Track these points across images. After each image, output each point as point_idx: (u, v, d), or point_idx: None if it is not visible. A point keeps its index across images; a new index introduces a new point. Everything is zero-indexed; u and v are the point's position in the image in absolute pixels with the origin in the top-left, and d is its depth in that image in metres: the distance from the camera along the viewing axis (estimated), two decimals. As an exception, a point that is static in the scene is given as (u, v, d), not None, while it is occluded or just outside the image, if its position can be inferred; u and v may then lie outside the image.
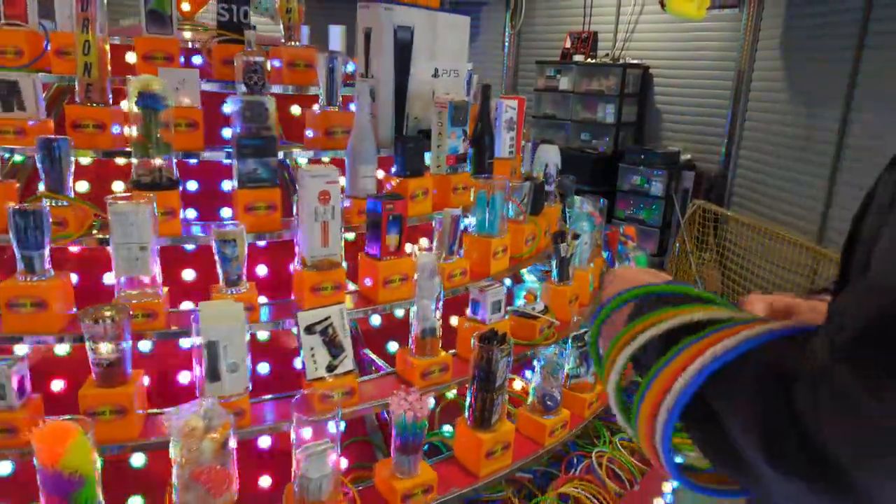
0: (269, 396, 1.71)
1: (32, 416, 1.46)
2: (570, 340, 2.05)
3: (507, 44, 8.09)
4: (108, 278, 1.89)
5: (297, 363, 1.94)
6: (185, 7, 2.81)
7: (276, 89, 2.10)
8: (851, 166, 4.51)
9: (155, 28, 1.96)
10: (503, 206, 2.13)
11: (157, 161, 1.71)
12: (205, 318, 1.48)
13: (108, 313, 1.44)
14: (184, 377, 1.83)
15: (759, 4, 5.58)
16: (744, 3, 5.68)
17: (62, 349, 1.74)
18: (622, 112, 6.43)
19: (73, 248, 1.81)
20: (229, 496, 1.39)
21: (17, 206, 1.51)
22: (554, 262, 2.29)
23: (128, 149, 1.76)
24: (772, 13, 5.51)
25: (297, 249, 1.77)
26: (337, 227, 1.74)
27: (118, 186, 1.98)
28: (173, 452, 1.35)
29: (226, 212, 2.06)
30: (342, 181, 1.82)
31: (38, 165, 1.68)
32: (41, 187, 1.70)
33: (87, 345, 1.45)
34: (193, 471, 1.34)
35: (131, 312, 1.52)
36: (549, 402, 1.91)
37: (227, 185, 2.11)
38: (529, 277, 2.61)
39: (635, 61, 6.60)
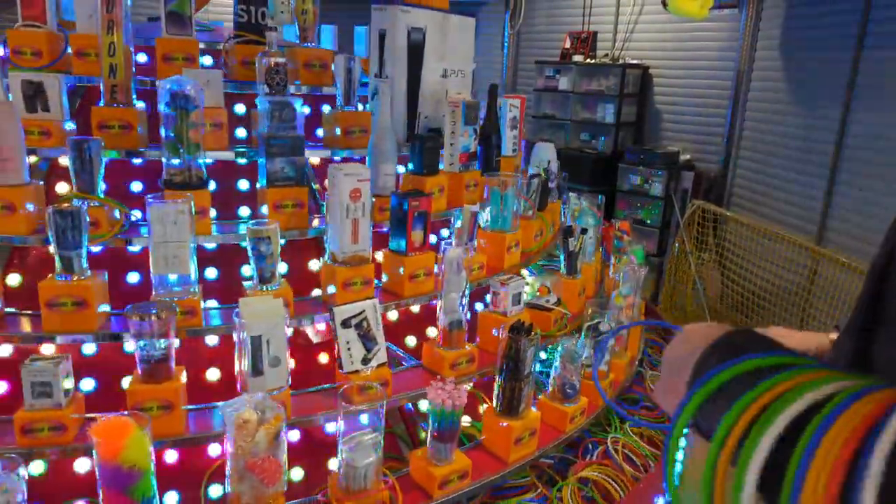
0: (296, 391, 1.74)
1: (77, 413, 1.48)
2: (584, 331, 2.13)
3: (506, 44, 8.04)
4: (132, 277, 1.91)
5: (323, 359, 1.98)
6: None
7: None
8: (851, 167, 4.50)
9: (174, 29, 1.98)
10: (515, 203, 2.20)
11: (188, 161, 1.74)
12: (247, 314, 1.51)
13: (155, 311, 1.47)
14: (212, 374, 1.86)
15: (758, 4, 5.55)
16: (743, 3, 5.64)
17: (89, 348, 1.76)
18: (622, 112, 6.44)
19: (94, 249, 1.83)
20: (280, 486, 1.43)
21: (56, 207, 1.52)
22: (562, 257, 2.37)
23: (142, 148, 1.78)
24: (771, 13, 5.47)
25: (326, 246, 1.81)
26: (366, 223, 1.78)
27: (137, 187, 2.00)
28: (227, 444, 1.38)
29: (244, 210, 2.09)
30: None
31: (70, 166, 1.69)
32: (60, 188, 1.72)
33: (135, 342, 1.48)
34: (248, 461, 1.37)
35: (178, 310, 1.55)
36: (568, 390, 1.98)
37: (242, 185, 2.13)
38: (523, 272, 2.69)
39: (635, 61, 6.58)
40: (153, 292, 1.63)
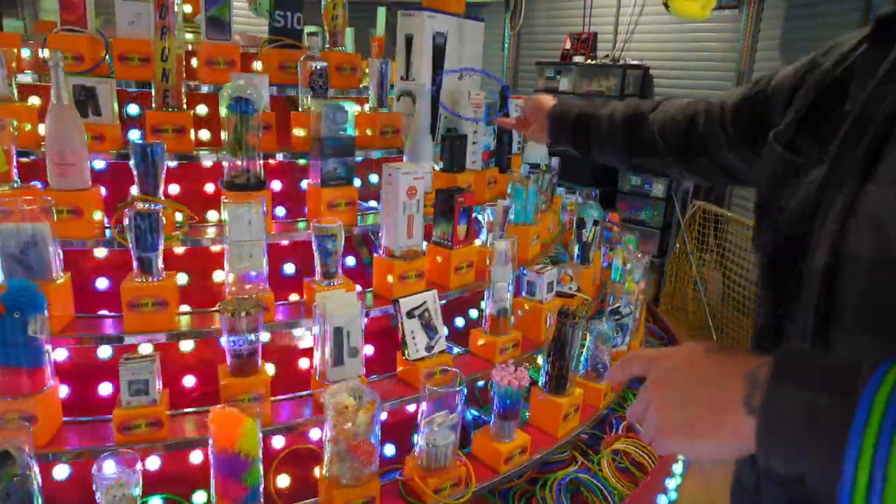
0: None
1: (166, 409, 1.53)
2: (606, 315, 2.30)
3: (506, 45, 8.02)
4: (182, 278, 1.94)
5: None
6: (187, 9, 2.83)
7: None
8: None
9: (215, 34, 2.02)
10: (536, 198, 2.35)
11: (248, 163, 1.80)
12: (330, 307, 1.59)
13: (246, 307, 1.53)
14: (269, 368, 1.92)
15: (759, 5, 5.56)
16: (744, 3, 5.65)
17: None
18: None
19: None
20: (375, 466, 1.52)
21: (137, 210, 1.56)
22: (577, 247, 2.53)
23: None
24: (772, 13, 5.48)
25: (380, 241, 1.90)
26: (420, 219, 1.88)
27: (174, 189, 2.03)
28: (327, 429, 1.46)
29: (279, 210, 2.14)
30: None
31: (133, 170, 1.72)
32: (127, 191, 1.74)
33: (227, 338, 1.54)
34: (351, 444, 1.46)
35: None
36: (601, 369, 2.14)
37: (275, 185, 2.19)
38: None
39: (635, 62, 6.56)
40: (226, 290, 1.68)
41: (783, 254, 0.83)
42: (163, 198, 1.75)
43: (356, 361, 1.66)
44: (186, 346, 1.80)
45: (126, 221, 1.57)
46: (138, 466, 1.33)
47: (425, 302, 1.81)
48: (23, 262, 1.52)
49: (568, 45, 7.09)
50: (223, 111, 1.77)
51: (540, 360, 2.05)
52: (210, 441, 1.36)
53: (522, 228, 2.30)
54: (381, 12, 2.99)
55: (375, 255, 1.91)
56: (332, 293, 1.66)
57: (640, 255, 2.52)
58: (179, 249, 1.89)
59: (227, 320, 1.53)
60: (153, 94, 1.87)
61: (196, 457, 1.65)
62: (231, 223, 1.63)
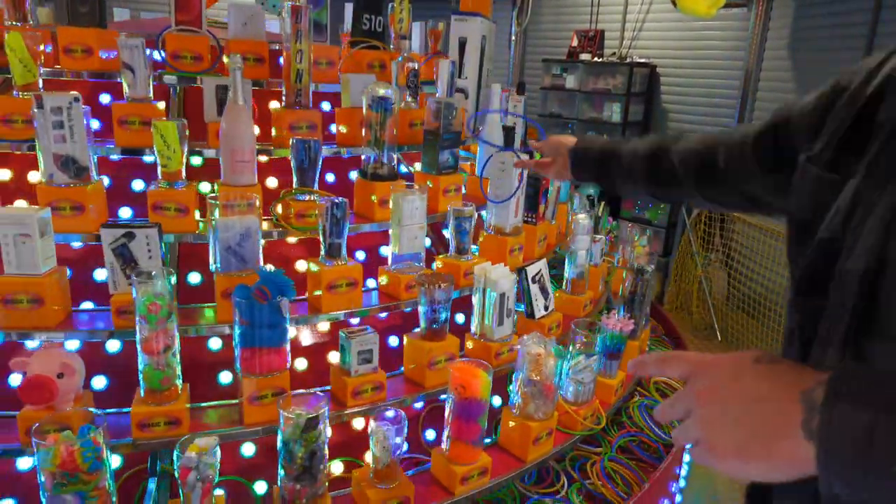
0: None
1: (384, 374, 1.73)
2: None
3: (513, 42, 7.77)
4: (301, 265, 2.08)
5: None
6: None
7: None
8: None
9: (316, 37, 2.15)
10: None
11: (386, 155, 2.00)
12: (495, 276, 1.88)
13: (439, 280, 1.77)
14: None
15: (767, 3, 5.48)
16: (752, 1, 5.58)
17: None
18: (629, 111, 6.32)
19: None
20: (555, 403, 1.85)
21: (334, 200, 1.72)
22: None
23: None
24: (780, 12, 5.40)
25: (489, 220, 2.19)
26: (523, 200, 2.21)
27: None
28: (520, 374, 1.76)
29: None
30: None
31: (292, 163, 1.86)
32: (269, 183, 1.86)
33: (426, 307, 1.76)
34: (545, 386, 1.77)
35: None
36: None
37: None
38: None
39: (642, 60, 6.47)
40: (390, 268, 1.89)
41: (819, 262, 0.83)
42: (316, 188, 1.91)
43: (511, 322, 1.96)
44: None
45: (323, 211, 1.72)
46: (404, 423, 1.55)
47: (541, 269, 2.15)
48: (238, 253, 1.63)
49: (575, 43, 6.96)
50: (364, 110, 1.96)
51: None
52: (450, 390, 1.61)
53: (562, 207, 2.69)
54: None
55: (486, 233, 2.20)
56: (488, 265, 1.93)
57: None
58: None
59: (425, 291, 1.76)
60: (283, 92, 1.99)
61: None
62: (405, 209, 1.84)
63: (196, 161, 1.97)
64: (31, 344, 1.61)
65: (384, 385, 1.71)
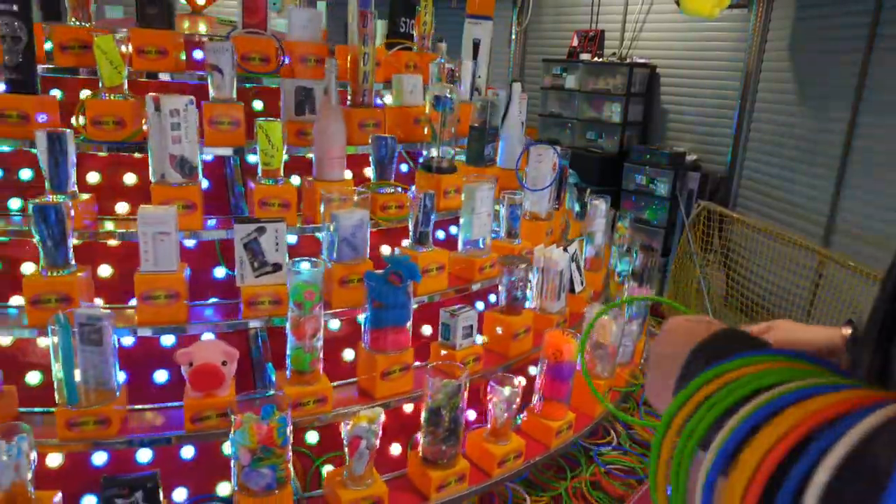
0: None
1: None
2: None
3: (513, 41, 7.65)
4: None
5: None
6: (200, 1, 2.88)
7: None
8: (859, 168, 4.42)
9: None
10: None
11: (444, 150, 2.18)
12: (555, 257, 2.12)
13: (518, 262, 1.98)
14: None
15: (768, 5, 5.46)
16: (753, 3, 5.54)
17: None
18: (628, 111, 6.31)
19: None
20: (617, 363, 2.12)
21: (426, 192, 1.89)
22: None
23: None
24: (781, 14, 5.38)
25: (525, 207, 2.42)
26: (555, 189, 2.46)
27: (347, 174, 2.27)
28: (592, 339, 2.02)
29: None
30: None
31: (372, 159, 2.00)
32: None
33: (503, 286, 1.97)
34: (610, 348, 2.04)
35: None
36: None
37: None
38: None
39: (642, 61, 6.44)
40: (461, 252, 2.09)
41: None
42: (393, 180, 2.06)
43: (565, 297, 2.21)
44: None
45: (416, 202, 1.89)
46: (521, 381, 1.75)
47: (576, 249, 2.41)
48: (351, 243, 1.77)
49: (575, 43, 6.90)
50: (427, 108, 2.13)
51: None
52: (544, 355, 1.84)
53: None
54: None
55: (524, 218, 2.43)
56: (549, 248, 2.17)
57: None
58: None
59: (506, 270, 1.97)
60: (349, 92, 2.12)
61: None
62: (475, 199, 2.03)
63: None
64: (166, 339, 1.67)
65: (482, 357, 1.90)
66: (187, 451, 1.62)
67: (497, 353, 2.02)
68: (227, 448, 1.66)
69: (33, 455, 1.29)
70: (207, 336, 1.66)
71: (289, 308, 1.56)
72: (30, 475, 1.29)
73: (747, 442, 0.47)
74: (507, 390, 1.71)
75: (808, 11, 5.06)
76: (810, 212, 4.84)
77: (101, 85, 1.79)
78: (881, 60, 4.23)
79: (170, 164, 1.69)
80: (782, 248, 4.74)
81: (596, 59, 6.62)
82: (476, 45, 2.76)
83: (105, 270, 1.78)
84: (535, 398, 1.92)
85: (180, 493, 1.60)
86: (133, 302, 1.60)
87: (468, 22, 2.74)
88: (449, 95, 2.13)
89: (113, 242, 1.77)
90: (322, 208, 1.76)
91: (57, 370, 1.41)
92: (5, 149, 1.77)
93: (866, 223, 4.30)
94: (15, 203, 1.77)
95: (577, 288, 2.39)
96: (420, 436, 1.65)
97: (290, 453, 1.43)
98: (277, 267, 1.69)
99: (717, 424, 0.51)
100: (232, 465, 1.40)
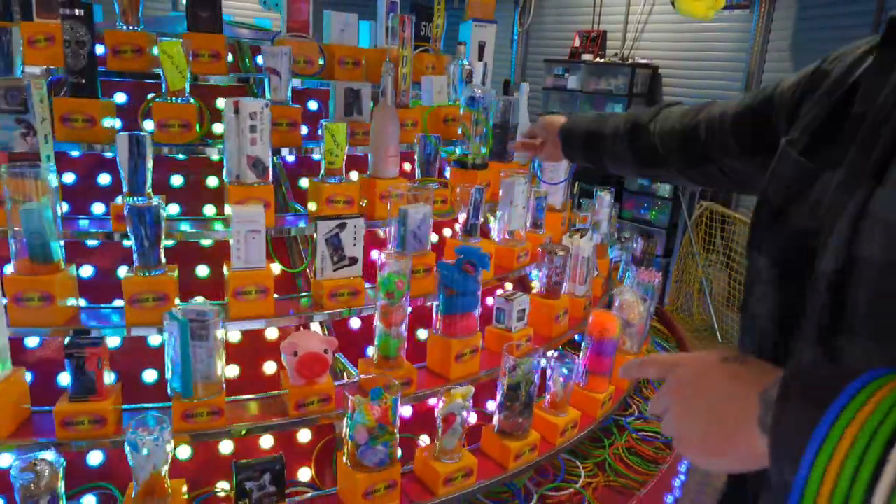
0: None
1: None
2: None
3: (515, 41, 7.60)
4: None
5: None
6: None
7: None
8: None
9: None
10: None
11: (479, 147, 2.32)
12: (585, 244, 2.30)
13: (558, 249, 2.15)
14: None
15: (770, 5, 5.51)
16: (755, 3, 5.61)
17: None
18: None
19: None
20: (643, 340, 2.32)
21: (478, 187, 2.02)
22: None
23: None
24: (783, 14, 5.40)
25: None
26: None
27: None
28: (622, 316, 2.21)
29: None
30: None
31: (418, 157, 2.13)
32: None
33: (542, 272, 2.13)
34: (639, 326, 2.24)
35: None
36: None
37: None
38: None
39: (644, 61, 6.47)
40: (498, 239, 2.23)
41: (791, 259, 0.83)
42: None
43: (590, 281, 2.39)
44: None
45: (469, 195, 2.02)
46: (574, 358, 1.92)
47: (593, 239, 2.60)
48: (417, 235, 1.88)
49: (577, 43, 6.97)
50: (462, 108, 2.26)
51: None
52: (588, 333, 2.02)
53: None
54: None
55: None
56: (574, 237, 2.34)
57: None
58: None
59: (548, 257, 2.13)
60: (389, 93, 2.21)
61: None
62: (514, 191, 2.18)
63: (314, 156, 2.13)
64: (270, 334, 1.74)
65: (532, 337, 2.06)
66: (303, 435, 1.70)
67: (540, 334, 2.17)
68: (301, 436, 1.75)
69: (169, 447, 1.35)
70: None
71: (378, 298, 1.66)
72: (166, 466, 1.35)
73: None
74: (565, 367, 1.87)
75: (810, 12, 5.08)
76: (811, 211, 4.98)
77: (164, 89, 1.83)
78: (882, 60, 4.44)
79: (247, 165, 1.75)
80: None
81: (598, 59, 6.62)
82: (482, 48, 2.91)
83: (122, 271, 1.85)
84: (581, 373, 2.09)
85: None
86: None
87: (474, 25, 2.88)
88: (481, 96, 2.27)
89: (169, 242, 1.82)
90: (389, 204, 1.87)
91: (172, 364, 1.47)
92: (75, 153, 1.78)
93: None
94: (98, 208, 1.80)
95: (594, 273, 2.58)
96: (496, 411, 1.79)
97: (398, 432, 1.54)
98: (354, 260, 1.79)
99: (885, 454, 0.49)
100: (347, 444, 1.49)
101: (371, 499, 1.50)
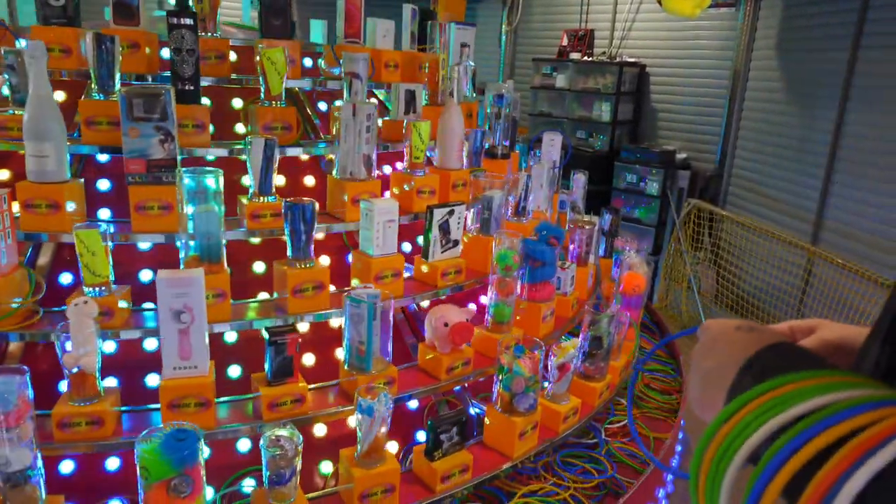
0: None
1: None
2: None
3: (503, 41, 7.37)
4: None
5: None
6: None
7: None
8: (846, 166, 4.47)
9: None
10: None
11: (502, 139, 2.62)
12: (593, 221, 2.70)
13: (588, 224, 2.52)
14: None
15: (756, 3, 5.55)
16: (741, 1, 5.64)
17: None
18: (618, 110, 6.36)
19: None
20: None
21: (528, 172, 2.34)
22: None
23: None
24: (769, 13, 5.46)
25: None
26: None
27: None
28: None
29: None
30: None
31: (466, 149, 2.39)
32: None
33: (575, 246, 2.50)
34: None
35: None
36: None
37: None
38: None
39: (632, 59, 6.50)
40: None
41: None
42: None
43: (596, 254, 2.80)
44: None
45: (520, 184, 2.33)
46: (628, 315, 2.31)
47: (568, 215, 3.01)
48: (496, 217, 2.16)
49: (565, 42, 6.99)
50: (487, 108, 2.55)
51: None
52: (624, 290, 2.42)
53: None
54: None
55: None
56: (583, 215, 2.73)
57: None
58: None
59: (579, 232, 2.50)
60: (432, 93, 2.45)
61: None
62: (541, 176, 2.52)
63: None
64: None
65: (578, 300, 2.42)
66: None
67: (581, 299, 2.54)
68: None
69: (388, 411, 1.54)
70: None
71: (493, 271, 1.93)
72: (384, 429, 1.54)
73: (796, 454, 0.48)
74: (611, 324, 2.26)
75: (796, 10, 5.13)
76: (799, 209, 4.89)
77: (262, 93, 1.94)
78: (868, 59, 4.30)
79: (361, 162, 1.92)
80: (772, 245, 4.84)
81: (586, 58, 6.70)
82: (464, 49, 3.19)
83: (259, 267, 1.97)
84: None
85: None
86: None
87: (456, 28, 3.15)
88: (506, 93, 2.57)
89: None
90: (471, 191, 2.13)
91: (353, 342, 1.64)
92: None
93: (854, 220, 4.37)
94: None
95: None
96: (580, 360, 2.13)
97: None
98: (456, 243, 2.03)
99: (770, 439, 0.52)
100: (498, 396, 1.76)
101: (523, 440, 1.78)
